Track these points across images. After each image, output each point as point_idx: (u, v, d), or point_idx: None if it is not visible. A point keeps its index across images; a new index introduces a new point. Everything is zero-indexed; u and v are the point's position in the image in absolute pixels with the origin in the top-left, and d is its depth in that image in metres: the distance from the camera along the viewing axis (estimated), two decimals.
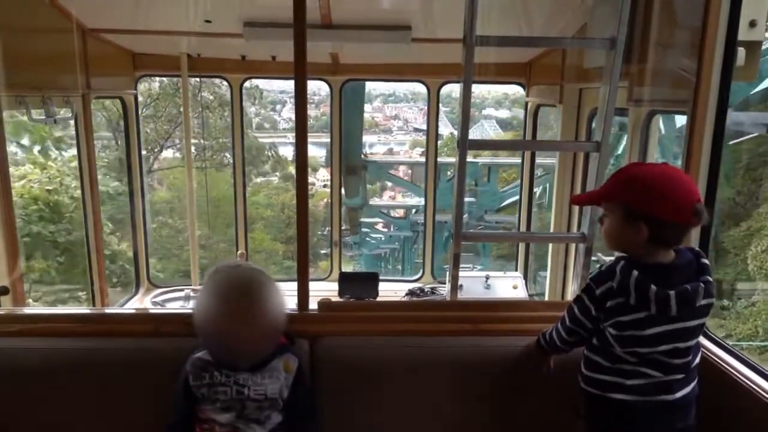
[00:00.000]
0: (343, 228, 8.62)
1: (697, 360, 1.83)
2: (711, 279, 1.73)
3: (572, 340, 1.94)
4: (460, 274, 2.96)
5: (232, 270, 1.88)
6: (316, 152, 13.82)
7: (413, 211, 13.05)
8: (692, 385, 1.83)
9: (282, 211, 18.26)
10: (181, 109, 6.14)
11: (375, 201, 14.61)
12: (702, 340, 1.94)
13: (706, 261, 1.77)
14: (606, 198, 1.80)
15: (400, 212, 14.80)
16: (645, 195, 1.69)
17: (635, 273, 1.70)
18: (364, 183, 11.23)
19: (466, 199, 11.89)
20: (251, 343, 1.78)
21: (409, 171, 14.64)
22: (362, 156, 9.58)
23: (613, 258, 1.83)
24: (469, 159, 2.71)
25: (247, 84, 5.61)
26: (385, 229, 15.21)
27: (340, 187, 6.12)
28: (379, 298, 4.65)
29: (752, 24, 2.19)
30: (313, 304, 2.32)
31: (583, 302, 1.83)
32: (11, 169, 3.44)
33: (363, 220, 13.77)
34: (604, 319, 1.79)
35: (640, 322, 1.71)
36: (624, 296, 1.72)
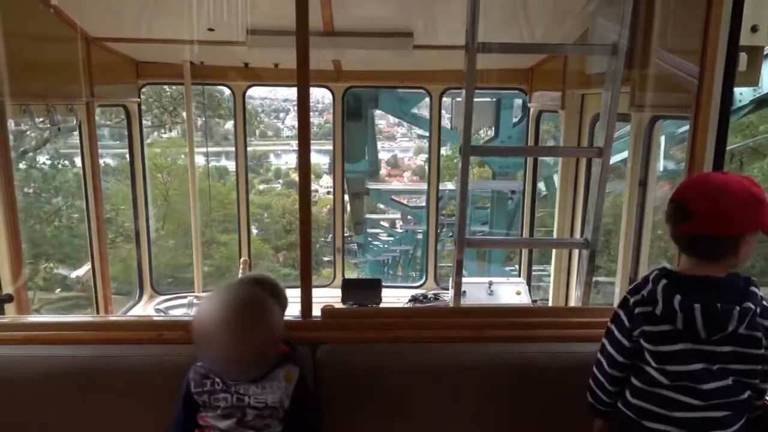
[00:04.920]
0: (346, 235, 8.42)
1: (745, 395, 1.63)
2: (753, 307, 1.56)
3: (616, 390, 1.77)
4: (463, 280, 2.96)
5: (232, 286, 1.90)
6: (319, 160, 13.78)
7: None
8: (742, 422, 1.66)
9: (282, 216, 18.14)
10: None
11: (385, 186, 13.32)
12: None
13: (754, 289, 1.61)
14: None
15: (410, 202, 13.35)
16: None
17: (663, 281, 1.63)
18: (372, 134, 9.10)
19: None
20: (236, 361, 1.78)
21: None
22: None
23: None
24: None
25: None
26: (396, 229, 14.38)
27: (343, 194, 6.09)
28: (382, 305, 4.65)
29: (754, 29, 2.19)
30: (316, 311, 2.32)
31: (618, 317, 1.72)
32: None
33: (369, 216, 12.49)
34: (635, 329, 1.68)
35: (666, 335, 1.61)
36: (651, 305, 1.64)
